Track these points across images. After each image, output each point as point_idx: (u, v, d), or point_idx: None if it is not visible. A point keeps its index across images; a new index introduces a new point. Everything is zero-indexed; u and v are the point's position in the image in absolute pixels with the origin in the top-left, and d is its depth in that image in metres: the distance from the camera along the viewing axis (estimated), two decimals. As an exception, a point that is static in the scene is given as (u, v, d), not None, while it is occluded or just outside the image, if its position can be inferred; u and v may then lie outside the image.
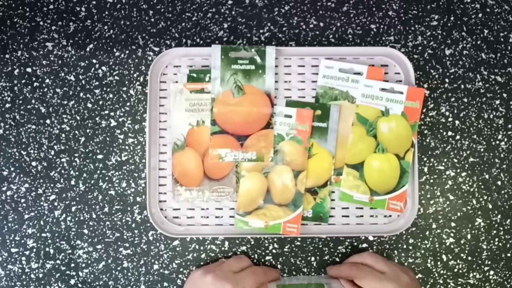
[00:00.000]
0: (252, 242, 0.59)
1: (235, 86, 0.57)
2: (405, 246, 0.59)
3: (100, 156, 0.59)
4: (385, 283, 0.50)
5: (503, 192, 0.59)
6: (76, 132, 0.60)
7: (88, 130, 0.60)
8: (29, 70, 0.60)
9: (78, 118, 0.60)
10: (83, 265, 0.58)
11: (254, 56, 0.57)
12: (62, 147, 0.59)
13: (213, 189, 0.57)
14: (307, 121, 0.56)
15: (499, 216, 0.59)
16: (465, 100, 0.60)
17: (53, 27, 0.61)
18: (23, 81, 0.60)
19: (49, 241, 0.59)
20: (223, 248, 0.58)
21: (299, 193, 0.57)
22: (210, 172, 0.57)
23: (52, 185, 0.59)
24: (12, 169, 0.59)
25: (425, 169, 0.59)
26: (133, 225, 0.59)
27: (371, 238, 0.58)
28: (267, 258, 0.59)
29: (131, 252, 0.59)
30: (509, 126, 0.60)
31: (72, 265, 0.58)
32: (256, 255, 0.59)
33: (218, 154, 0.57)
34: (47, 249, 0.59)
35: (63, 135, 0.59)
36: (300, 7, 0.61)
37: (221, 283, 0.51)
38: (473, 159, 0.59)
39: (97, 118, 0.60)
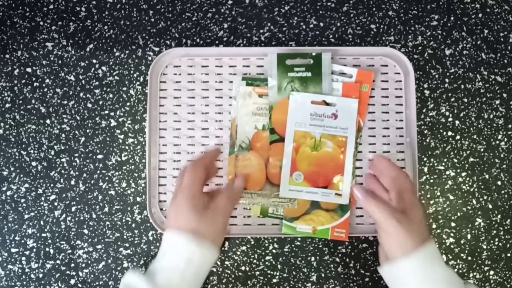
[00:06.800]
0: (252, 242, 0.58)
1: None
2: (405, 246, 0.59)
3: (100, 156, 0.59)
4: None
5: (503, 192, 0.59)
6: (76, 132, 0.60)
7: (88, 130, 0.60)
8: (29, 70, 0.60)
9: (78, 118, 0.60)
10: (83, 265, 0.58)
11: (310, 62, 0.56)
12: (62, 147, 0.59)
13: (275, 194, 0.56)
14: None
15: (499, 216, 0.59)
16: (465, 100, 0.60)
17: (53, 27, 0.61)
18: (23, 81, 0.60)
19: (49, 241, 0.59)
20: (223, 248, 0.58)
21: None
22: (273, 178, 0.56)
23: (52, 185, 0.59)
24: (12, 169, 0.59)
25: (425, 169, 0.59)
26: (133, 225, 0.59)
27: (371, 238, 0.58)
28: (267, 258, 0.59)
29: (131, 252, 0.59)
30: (509, 126, 0.60)
31: (72, 265, 0.58)
32: (256, 255, 0.59)
33: (278, 163, 0.56)
34: (47, 249, 0.59)
35: (63, 135, 0.60)
36: (300, 7, 0.61)
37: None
38: (473, 159, 0.59)
39: (97, 118, 0.60)
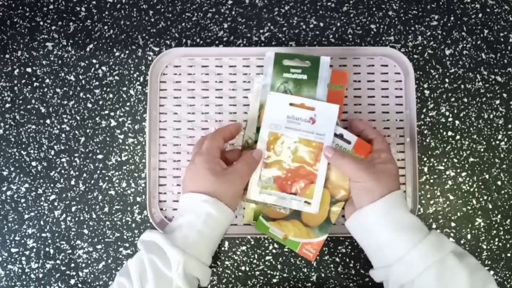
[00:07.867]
0: (252, 242, 0.59)
1: None
2: (405, 246, 0.59)
3: (100, 156, 0.59)
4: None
5: (503, 192, 0.59)
6: (76, 132, 0.60)
7: (88, 130, 0.60)
8: (29, 70, 0.60)
9: (78, 118, 0.60)
10: (83, 265, 0.58)
11: (307, 65, 0.54)
12: (62, 147, 0.59)
13: None
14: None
15: (499, 216, 0.59)
16: (465, 100, 0.60)
17: (53, 27, 0.61)
18: (23, 81, 0.60)
19: (49, 241, 0.59)
20: (223, 248, 0.59)
21: (329, 222, 0.54)
22: None
23: (52, 185, 0.59)
24: (12, 169, 0.59)
25: (425, 169, 0.59)
26: (133, 225, 0.59)
27: (371, 238, 0.58)
28: (267, 258, 0.59)
29: (131, 252, 0.58)
30: (509, 126, 0.60)
31: (72, 265, 0.58)
32: (256, 255, 0.59)
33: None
34: (47, 249, 0.59)
35: (63, 135, 0.60)
36: (300, 7, 0.61)
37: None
38: (473, 159, 0.59)
39: (97, 118, 0.60)
